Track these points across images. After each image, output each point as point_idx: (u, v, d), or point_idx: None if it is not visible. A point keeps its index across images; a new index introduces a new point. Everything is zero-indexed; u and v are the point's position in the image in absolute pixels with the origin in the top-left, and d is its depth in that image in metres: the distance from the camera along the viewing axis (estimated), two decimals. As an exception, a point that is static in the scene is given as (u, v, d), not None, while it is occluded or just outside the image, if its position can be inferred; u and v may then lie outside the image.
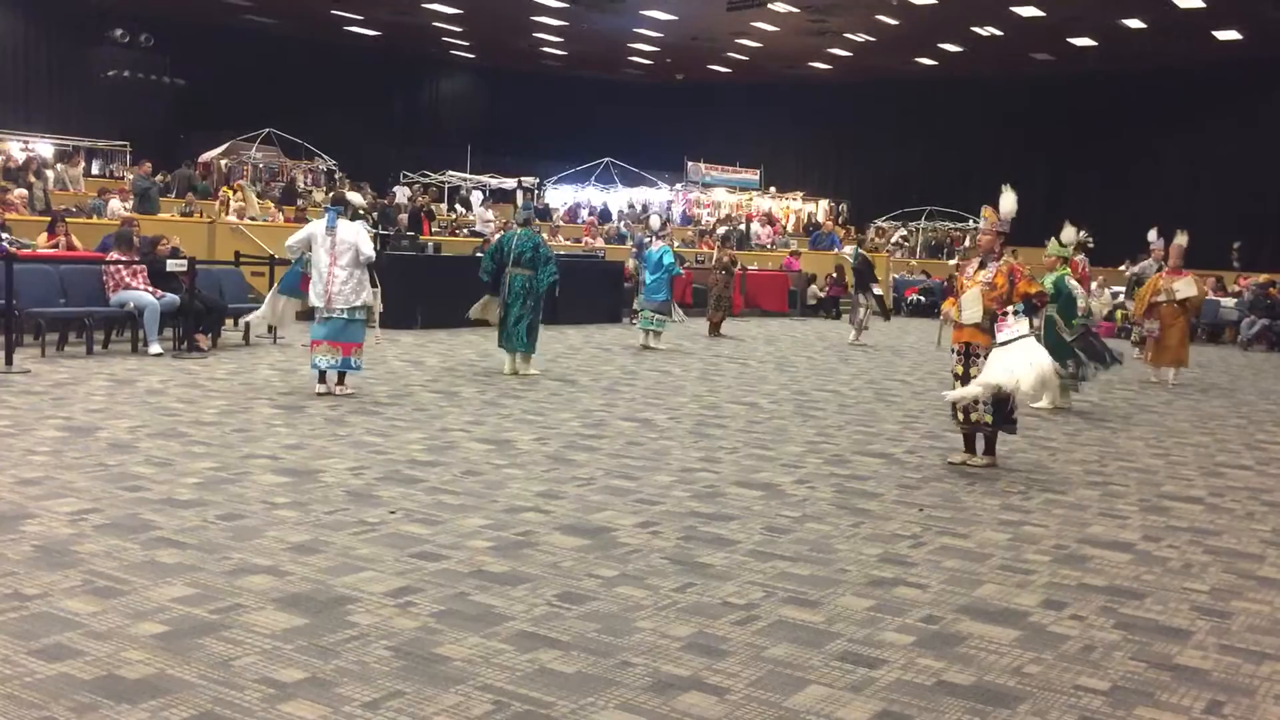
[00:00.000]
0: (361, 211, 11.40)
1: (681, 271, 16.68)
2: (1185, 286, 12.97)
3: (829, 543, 5.59)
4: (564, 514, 5.90)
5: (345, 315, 9.40)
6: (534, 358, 11.66)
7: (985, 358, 7.42)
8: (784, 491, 6.69)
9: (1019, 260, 8.33)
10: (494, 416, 8.85)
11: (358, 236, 9.49)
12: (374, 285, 9.64)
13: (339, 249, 9.38)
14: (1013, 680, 3.94)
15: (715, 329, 17.70)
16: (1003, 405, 7.46)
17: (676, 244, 21.50)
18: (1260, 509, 6.87)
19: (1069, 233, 11.18)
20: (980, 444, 7.73)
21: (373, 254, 9.56)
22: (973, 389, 7.35)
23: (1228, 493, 7.31)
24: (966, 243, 31.82)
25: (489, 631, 4.15)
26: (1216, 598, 5.00)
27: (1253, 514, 6.72)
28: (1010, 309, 7.37)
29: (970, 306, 7.50)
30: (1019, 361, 7.22)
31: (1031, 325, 7.59)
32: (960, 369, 7.61)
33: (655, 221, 18.05)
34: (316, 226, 9.62)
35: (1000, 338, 7.36)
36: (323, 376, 9.47)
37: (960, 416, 7.63)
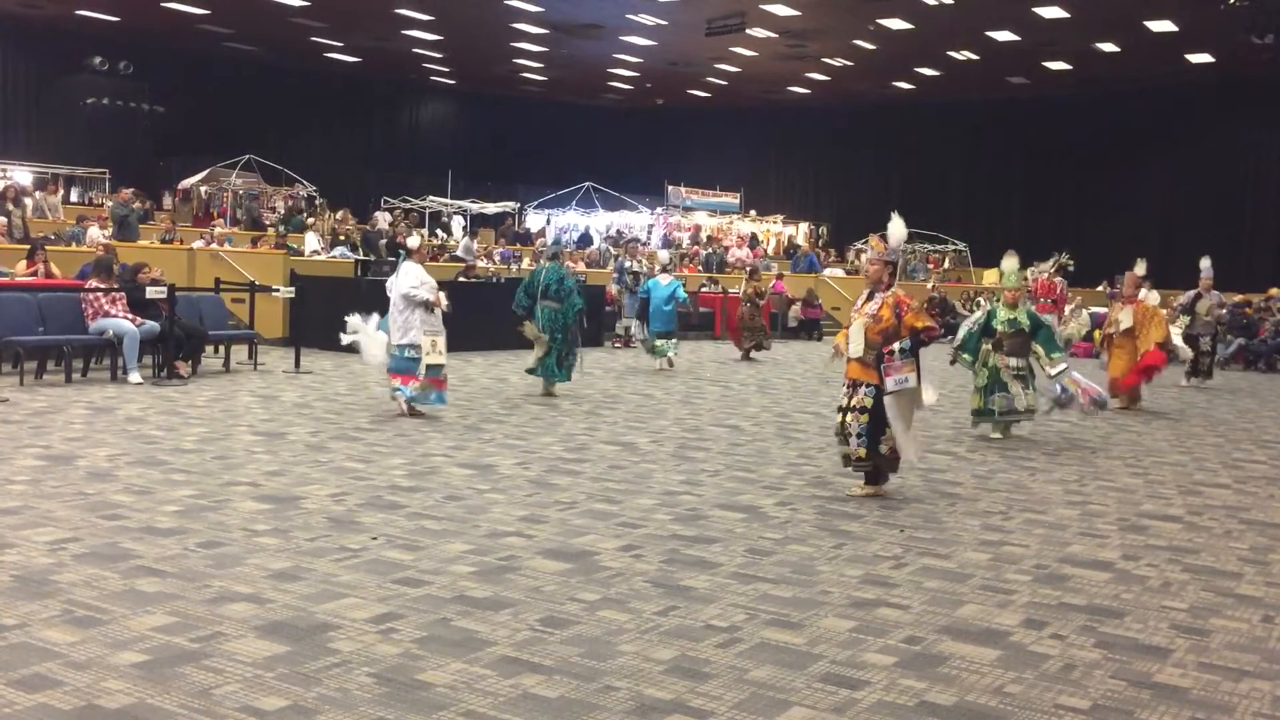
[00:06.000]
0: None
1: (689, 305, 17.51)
2: (1126, 316, 12.97)
3: (811, 564, 5.60)
4: (546, 538, 5.90)
5: (395, 351, 9.90)
6: (558, 382, 12.00)
7: (864, 389, 7.15)
8: (766, 514, 6.71)
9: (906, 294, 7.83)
10: (475, 441, 8.84)
11: (399, 276, 9.94)
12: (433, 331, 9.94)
13: (394, 290, 9.96)
14: (994, 700, 3.96)
15: (746, 355, 18.10)
16: (876, 439, 7.15)
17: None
18: (1238, 527, 6.92)
19: (1010, 262, 10.78)
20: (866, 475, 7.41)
21: (408, 290, 9.81)
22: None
23: (1206, 511, 7.36)
24: (946, 264, 32.10)
25: (471, 657, 4.14)
26: (1195, 616, 5.04)
27: (1230, 532, 6.78)
28: (897, 346, 7.03)
29: (855, 340, 7.22)
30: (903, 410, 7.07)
31: (918, 368, 7.14)
32: (845, 401, 7.28)
33: (664, 256, 18.73)
34: None
35: (890, 385, 7.01)
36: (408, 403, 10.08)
37: (848, 448, 7.27)
